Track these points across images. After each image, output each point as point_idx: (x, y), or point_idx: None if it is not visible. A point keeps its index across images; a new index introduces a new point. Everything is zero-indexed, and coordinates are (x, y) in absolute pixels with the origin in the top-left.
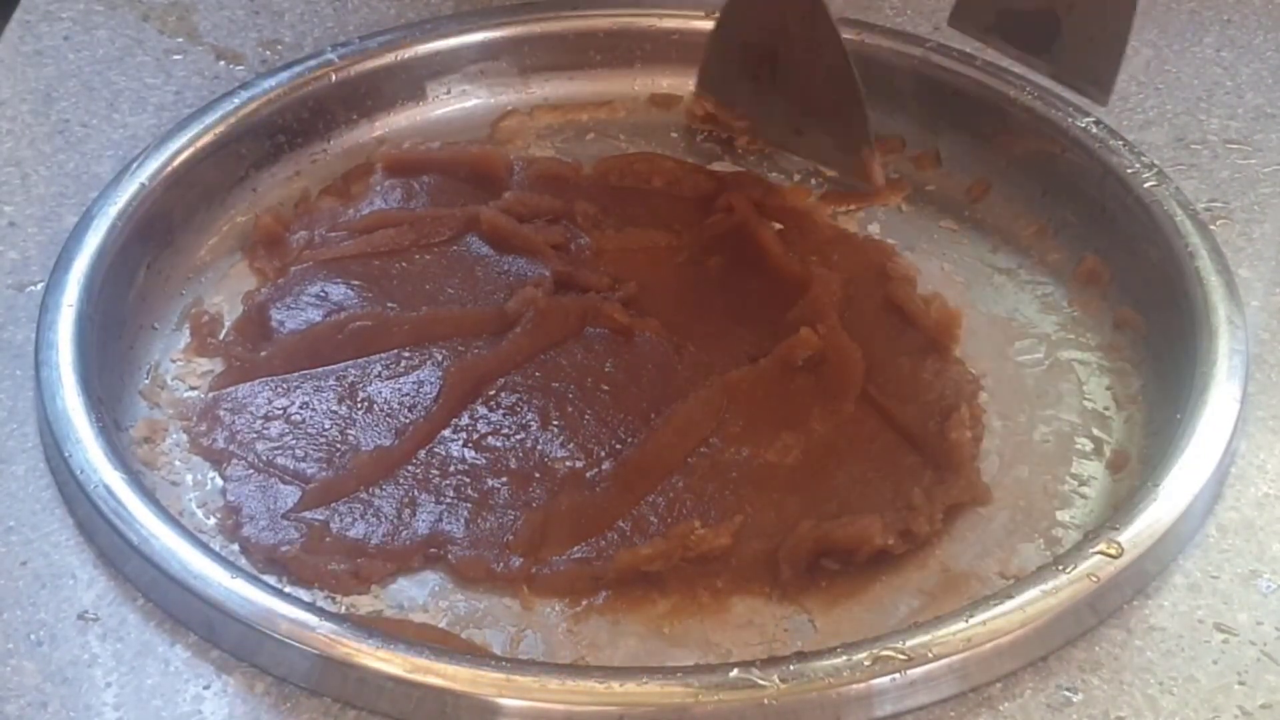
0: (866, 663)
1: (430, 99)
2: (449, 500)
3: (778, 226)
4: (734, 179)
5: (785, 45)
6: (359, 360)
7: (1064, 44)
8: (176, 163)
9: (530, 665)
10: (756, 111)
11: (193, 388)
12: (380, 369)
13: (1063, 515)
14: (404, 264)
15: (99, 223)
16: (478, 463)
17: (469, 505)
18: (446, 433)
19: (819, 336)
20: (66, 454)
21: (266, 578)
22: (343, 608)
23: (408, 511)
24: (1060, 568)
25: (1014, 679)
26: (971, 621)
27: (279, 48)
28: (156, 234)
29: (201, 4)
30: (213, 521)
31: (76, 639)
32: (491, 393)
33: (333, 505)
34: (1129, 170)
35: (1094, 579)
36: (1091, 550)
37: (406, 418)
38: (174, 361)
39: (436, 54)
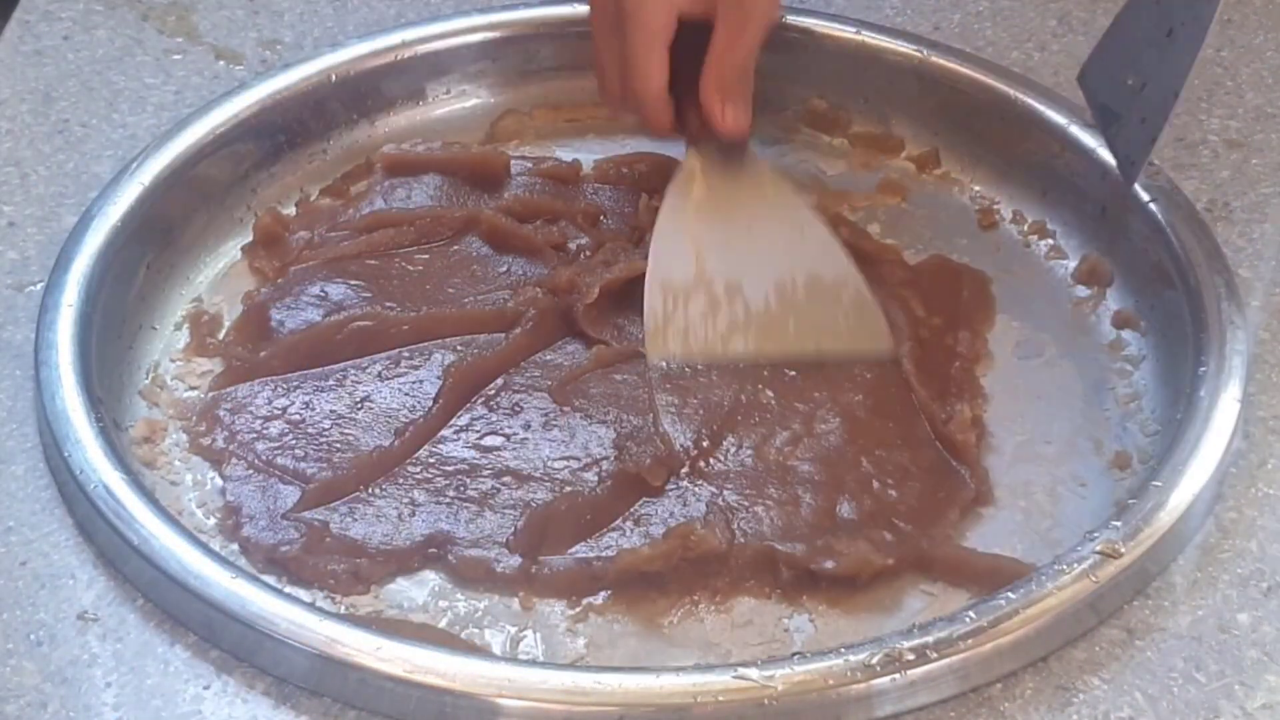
0: (866, 663)
1: (430, 99)
2: (449, 500)
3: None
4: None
5: None
6: (359, 360)
7: (1125, 119)
8: (176, 163)
9: (530, 665)
10: None
11: (193, 388)
12: (380, 369)
13: (1063, 515)
14: (404, 264)
15: (99, 223)
16: (478, 463)
17: (469, 505)
18: (446, 433)
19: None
20: (66, 454)
21: (266, 578)
22: (343, 608)
23: (408, 511)
24: (1060, 568)
25: (1014, 679)
26: (971, 622)
27: (279, 48)
28: (156, 234)
29: (201, 4)
30: (213, 521)
31: (76, 639)
32: (491, 393)
33: (333, 505)
34: None
35: (1094, 579)
36: (1091, 550)
37: (406, 418)
38: (174, 361)
39: (436, 54)
